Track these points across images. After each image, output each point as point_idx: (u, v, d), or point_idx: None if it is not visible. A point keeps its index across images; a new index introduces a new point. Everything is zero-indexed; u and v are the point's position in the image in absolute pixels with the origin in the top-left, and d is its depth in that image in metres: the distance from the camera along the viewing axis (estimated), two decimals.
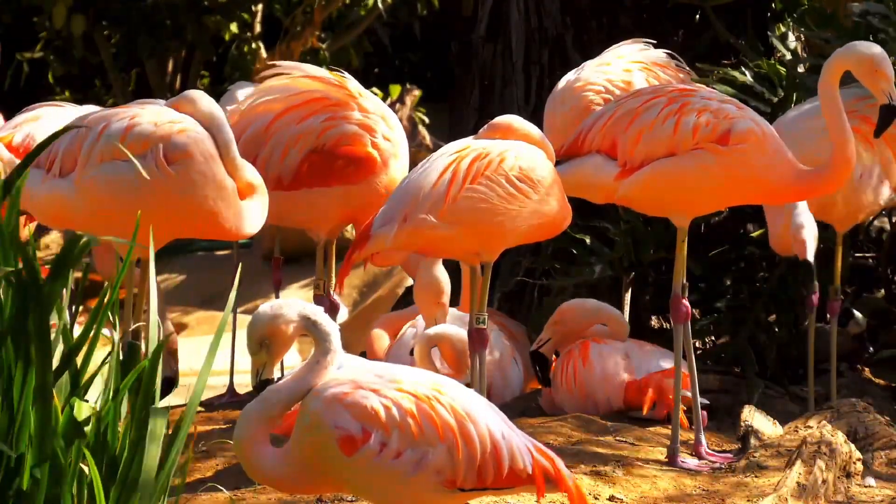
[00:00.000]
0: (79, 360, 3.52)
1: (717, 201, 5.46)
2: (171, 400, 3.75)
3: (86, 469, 3.41)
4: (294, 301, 3.69)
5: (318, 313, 3.66)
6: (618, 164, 5.26)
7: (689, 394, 5.55)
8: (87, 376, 3.52)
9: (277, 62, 5.89)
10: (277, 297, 6.70)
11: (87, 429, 3.43)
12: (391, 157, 5.66)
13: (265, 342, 3.67)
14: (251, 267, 9.97)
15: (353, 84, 5.75)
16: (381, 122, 5.68)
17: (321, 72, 5.79)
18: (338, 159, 5.63)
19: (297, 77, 5.75)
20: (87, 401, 3.49)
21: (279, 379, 3.69)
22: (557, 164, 5.27)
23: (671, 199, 5.28)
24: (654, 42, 6.24)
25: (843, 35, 6.19)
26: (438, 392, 3.59)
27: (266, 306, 3.67)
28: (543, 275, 6.78)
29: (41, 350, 3.35)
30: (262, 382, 3.70)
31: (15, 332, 3.37)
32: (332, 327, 3.65)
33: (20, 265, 3.35)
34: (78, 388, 3.48)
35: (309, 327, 3.65)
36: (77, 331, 3.56)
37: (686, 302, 5.35)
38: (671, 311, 5.35)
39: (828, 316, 6.11)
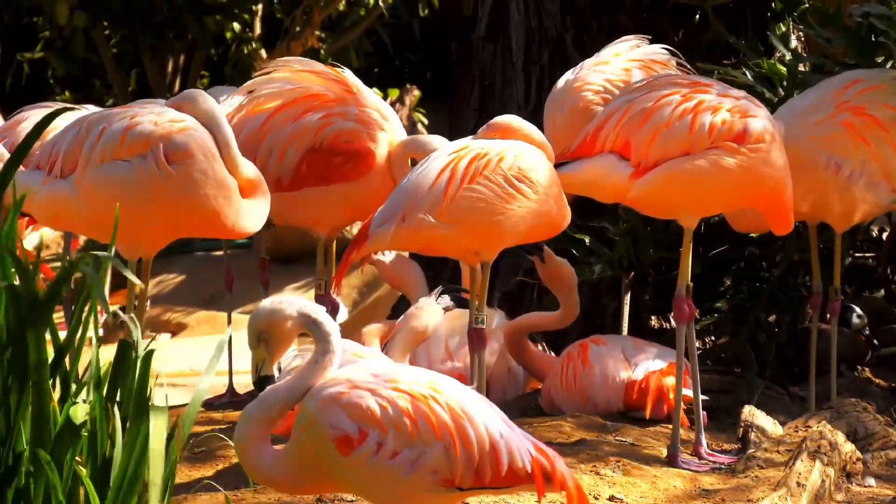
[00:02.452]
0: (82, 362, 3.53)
1: (730, 202, 5.40)
2: (171, 399, 3.74)
3: (83, 469, 3.40)
4: (296, 298, 3.69)
5: (320, 313, 3.66)
6: (631, 163, 5.20)
7: (688, 393, 5.55)
8: (82, 377, 3.52)
9: (280, 59, 5.88)
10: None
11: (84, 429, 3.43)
12: (386, 152, 5.66)
13: (263, 336, 3.68)
14: (250, 267, 9.97)
15: (351, 78, 5.76)
16: (379, 116, 5.69)
17: (321, 67, 5.79)
18: (336, 156, 5.63)
19: (298, 70, 5.75)
20: (83, 401, 3.49)
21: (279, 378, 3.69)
22: (567, 163, 5.24)
23: (685, 199, 5.23)
24: (650, 37, 6.24)
25: (845, 34, 6.19)
26: (435, 391, 3.59)
27: (267, 301, 3.68)
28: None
29: (38, 357, 3.34)
30: (261, 378, 3.70)
31: (13, 341, 3.37)
32: (332, 328, 3.65)
33: (16, 280, 3.35)
34: (75, 389, 3.48)
35: (309, 326, 3.65)
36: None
37: (690, 302, 5.34)
38: (674, 311, 5.33)
39: (828, 316, 6.11)
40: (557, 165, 5.23)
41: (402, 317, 5.75)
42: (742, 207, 5.62)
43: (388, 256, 6.63)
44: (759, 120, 5.21)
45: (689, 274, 5.34)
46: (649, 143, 5.17)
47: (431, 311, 5.55)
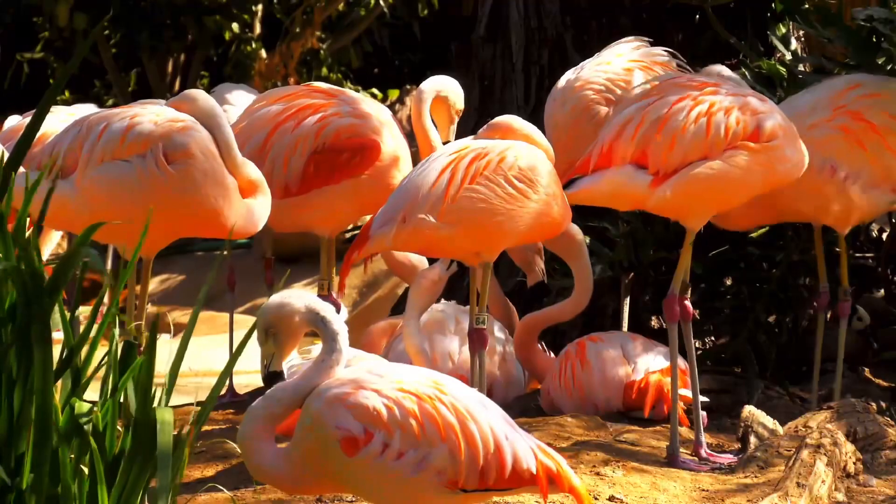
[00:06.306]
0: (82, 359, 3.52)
1: (751, 198, 5.38)
2: (176, 399, 3.74)
3: (86, 469, 3.40)
4: (305, 293, 3.69)
5: (329, 311, 3.66)
6: (649, 172, 5.19)
7: (687, 393, 5.55)
8: (87, 375, 3.52)
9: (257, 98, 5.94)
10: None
11: (88, 428, 3.43)
12: (392, 144, 5.67)
13: (272, 331, 3.68)
14: (250, 267, 9.97)
15: (326, 85, 5.82)
16: (372, 109, 5.72)
17: (295, 87, 5.86)
18: (342, 153, 5.65)
19: (277, 98, 5.78)
20: (87, 400, 3.49)
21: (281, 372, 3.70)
22: (584, 177, 5.22)
23: (706, 202, 5.24)
24: (651, 40, 6.24)
25: (847, 35, 6.17)
26: (440, 392, 3.59)
27: (276, 295, 3.68)
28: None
29: (42, 350, 3.34)
30: (270, 374, 3.71)
31: (17, 332, 3.37)
32: (340, 327, 3.65)
33: (21, 263, 3.34)
34: (78, 387, 3.48)
35: (317, 323, 3.65)
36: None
37: (686, 303, 5.33)
38: (665, 310, 5.32)
39: (828, 315, 6.09)
40: (574, 180, 5.22)
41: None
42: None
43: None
44: (770, 116, 5.23)
45: (686, 275, 5.33)
46: (667, 151, 5.17)
47: (438, 268, 5.68)
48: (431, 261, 6.17)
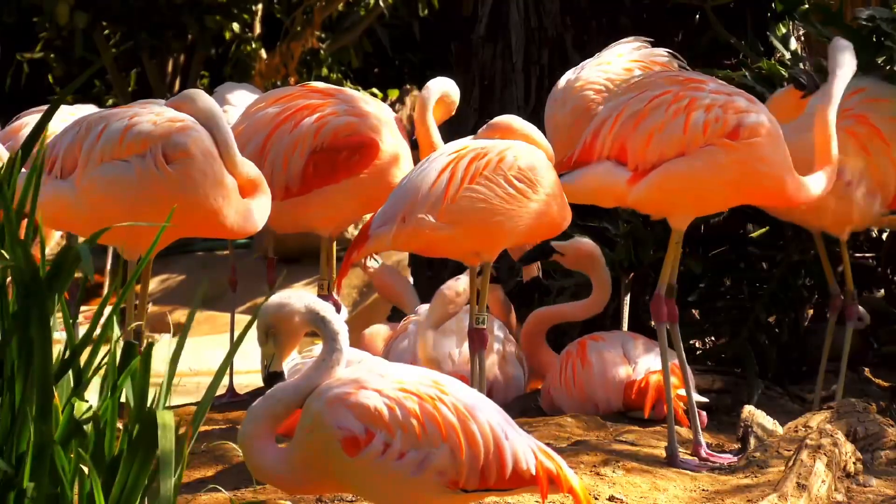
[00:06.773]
0: (83, 359, 3.52)
1: (729, 199, 5.33)
2: (177, 399, 3.74)
3: (86, 469, 3.40)
4: (304, 294, 3.69)
5: (328, 310, 3.66)
6: (628, 168, 5.17)
7: (685, 393, 5.54)
8: (88, 376, 3.52)
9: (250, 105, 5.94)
10: None
11: (87, 428, 3.43)
12: (391, 142, 5.67)
13: (271, 332, 3.68)
14: (250, 267, 9.97)
15: (323, 84, 5.82)
16: (371, 107, 5.72)
17: (291, 88, 5.86)
18: (341, 152, 5.65)
19: (274, 100, 5.78)
20: (87, 401, 3.49)
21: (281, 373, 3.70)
22: (566, 173, 5.23)
23: (683, 200, 5.18)
24: (652, 40, 6.24)
25: (848, 34, 6.16)
26: (441, 392, 3.59)
27: (275, 296, 3.68)
28: (543, 275, 6.78)
29: (42, 348, 3.34)
30: (270, 375, 3.70)
31: (18, 329, 3.36)
32: (341, 326, 3.65)
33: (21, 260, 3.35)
34: (79, 388, 3.48)
35: (317, 322, 3.65)
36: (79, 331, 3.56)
37: (671, 303, 5.31)
38: (651, 311, 5.31)
39: (828, 315, 6.08)
40: (558, 175, 5.22)
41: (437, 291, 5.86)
42: (742, 203, 5.55)
43: (373, 263, 6.69)
44: (753, 115, 5.15)
45: (673, 275, 5.30)
46: (645, 147, 5.14)
47: (462, 281, 5.68)
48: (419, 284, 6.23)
